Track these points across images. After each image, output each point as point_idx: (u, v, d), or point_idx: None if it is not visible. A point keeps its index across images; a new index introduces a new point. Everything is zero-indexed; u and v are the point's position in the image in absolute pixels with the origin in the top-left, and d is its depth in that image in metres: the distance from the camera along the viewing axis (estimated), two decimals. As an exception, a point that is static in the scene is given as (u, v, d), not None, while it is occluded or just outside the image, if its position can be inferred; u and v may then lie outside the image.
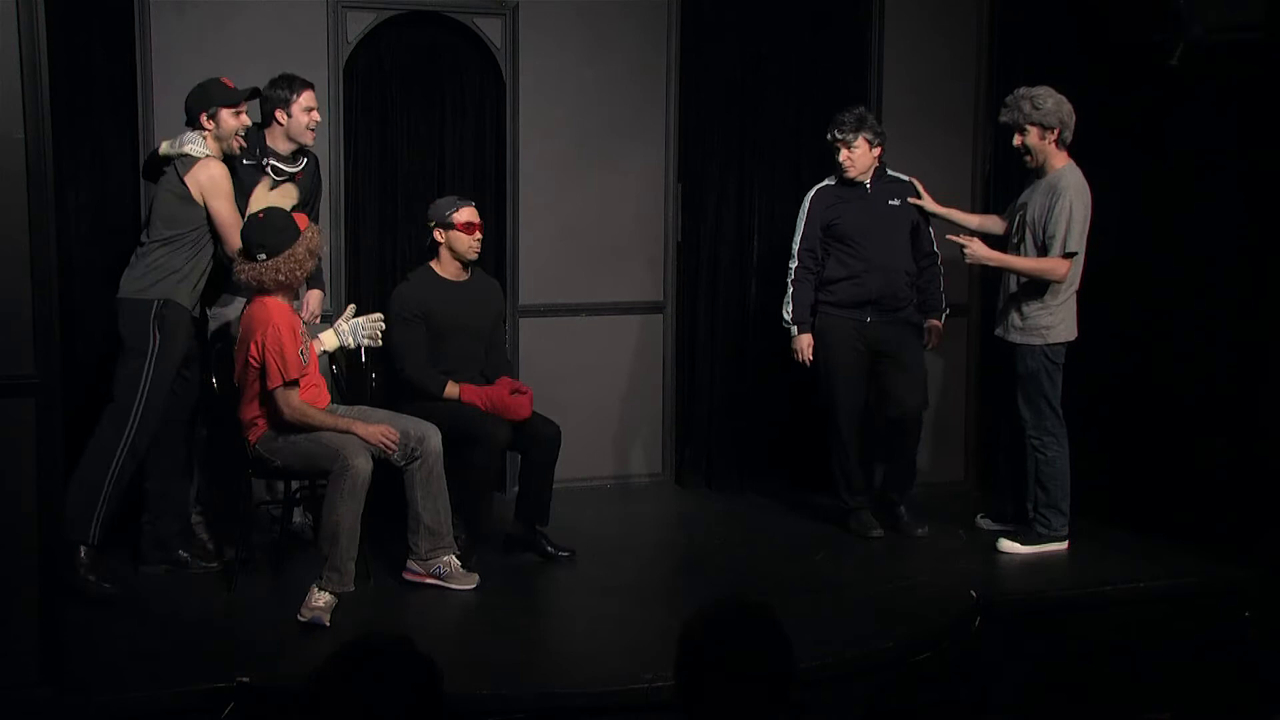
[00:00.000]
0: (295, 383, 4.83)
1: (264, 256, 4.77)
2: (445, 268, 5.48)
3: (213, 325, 5.35)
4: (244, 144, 5.13)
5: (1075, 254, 5.44)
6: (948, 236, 5.73)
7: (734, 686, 2.38)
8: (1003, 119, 5.59)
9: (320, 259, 5.06)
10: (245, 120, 5.11)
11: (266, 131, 5.40)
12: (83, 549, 4.88)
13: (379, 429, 4.89)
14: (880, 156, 5.81)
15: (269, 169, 5.37)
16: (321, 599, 4.73)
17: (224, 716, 4.19)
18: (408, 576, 5.13)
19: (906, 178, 5.91)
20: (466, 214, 5.43)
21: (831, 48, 6.77)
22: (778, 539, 5.93)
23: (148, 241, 5.04)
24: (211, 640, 4.62)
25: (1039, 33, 6.48)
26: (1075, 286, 5.55)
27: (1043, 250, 5.48)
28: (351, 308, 5.26)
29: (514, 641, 4.76)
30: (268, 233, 4.83)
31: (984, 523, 6.06)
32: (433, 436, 5.04)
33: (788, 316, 5.88)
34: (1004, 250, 5.68)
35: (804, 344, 5.87)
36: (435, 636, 4.65)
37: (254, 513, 5.40)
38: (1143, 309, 6.00)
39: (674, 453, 6.94)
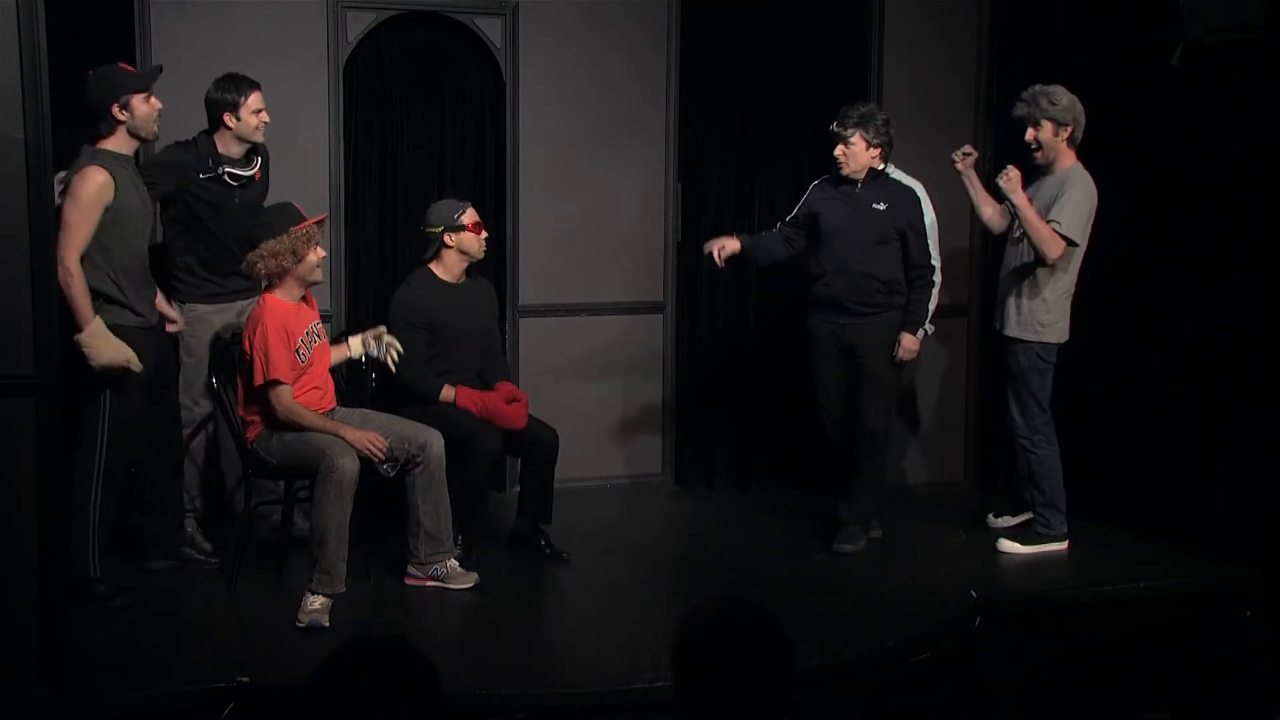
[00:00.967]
0: (278, 382, 4.83)
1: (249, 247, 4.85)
2: (447, 270, 5.47)
3: (198, 327, 5.32)
4: (156, 133, 4.87)
5: (1076, 246, 5.44)
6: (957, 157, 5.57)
7: (732, 687, 2.38)
8: (1018, 113, 5.58)
9: (317, 245, 4.93)
10: (156, 104, 4.76)
11: (215, 136, 5.25)
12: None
13: (366, 435, 4.88)
14: (882, 158, 5.63)
15: (226, 176, 5.25)
16: (316, 602, 4.73)
17: (224, 716, 4.19)
18: (408, 581, 5.14)
19: (909, 183, 5.76)
20: (471, 214, 5.45)
21: (831, 48, 6.77)
22: (778, 539, 5.93)
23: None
24: (211, 640, 4.63)
25: (1039, 33, 6.48)
26: (1072, 289, 5.56)
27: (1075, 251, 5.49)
28: (383, 329, 5.24)
29: (514, 641, 4.76)
30: (259, 224, 4.90)
31: (996, 521, 6.05)
32: (435, 443, 5.04)
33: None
34: (1004, 244, 5.69)
35: (723, 240, 5.70)
36: (435, 636, 4.67)
37: (254, 512, 5.39)
38: (1142, 308, 5.99)
39: (674, 453, 6.94)
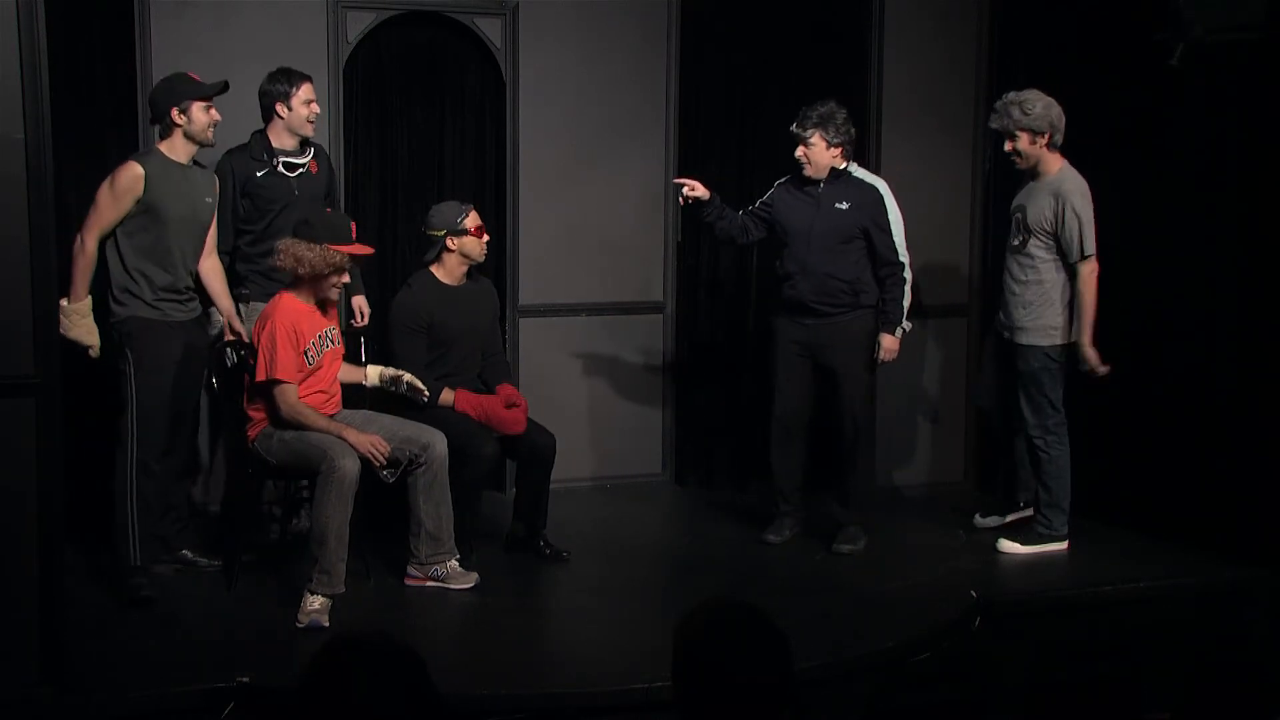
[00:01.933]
0: (280, 381, 4.83)
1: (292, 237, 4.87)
2: (449, 273, 5.47)
3: (214, 329, 5.36)
4: (212, 140, 5.01)
5: (1090, 255, 5.44)
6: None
7: (729, 687, 2.38)
8: (992, 125, 5.61)
9: (342, 273, 4.96)
10: (215, 115, 4.98)
11: (268, 128, 5.42)
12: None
13: (369, 439, 4.88)
14: (844, 156, 5.60)
15: (281, 166, 5.40)
16: (315, 602, 4.73)
17: (224, 716, 4.19)
18: (408, 581, 5.15)
19: (872, 181, 5.71)
20: (474, 217, 5.45)
21: (831, 47, 6.77)
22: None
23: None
24: (212, 640, 4.63)
25: (1039, 33, 6.48)
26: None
27: (1057, 250, 5.49)
28: (404, 374, 5.25)
29: (513, 641, 4.76)
30: (316, 221, 4.93)
31: (983, 520, 6.05)
32: (438, 443, 5.04)
33: None
34: (1007, 254, 5.69)
35: (696, 183, 5.64)
36: (435, 637, 4.68)
37: (255, 512, 5.40)
38: (1143, 308, 5.99)
39: (674, 453, 6.94)
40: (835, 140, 5.54)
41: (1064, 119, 5.48)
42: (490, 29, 6.37)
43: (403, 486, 5.08)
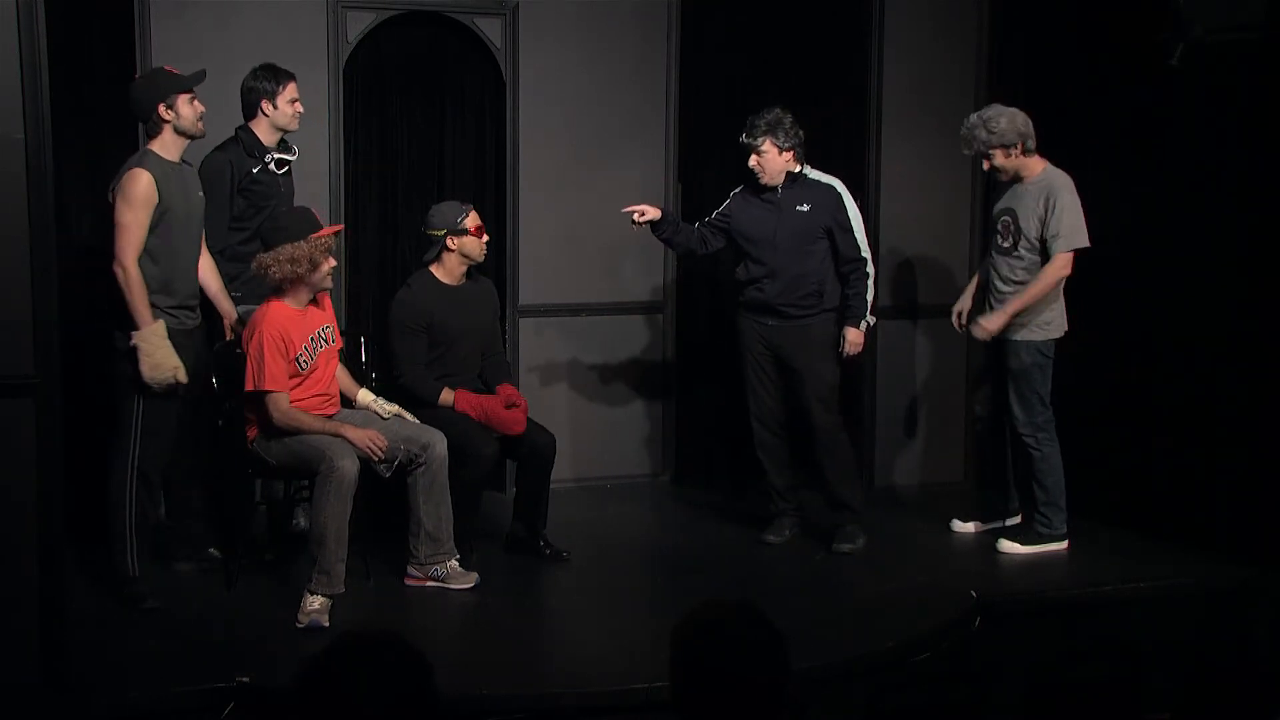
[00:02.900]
0: (266, 392, 4.82)
1: (269, 248, 4.86)
2: (449, 273, 5.47)
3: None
4: (203, 131, 4.94)
5: (1084, 248, 5.45)
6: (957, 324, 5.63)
7: (726, 688, 2.38)
8: (965, 152, 5.65)
9: (331, 256, 4.96)
10: (200, 106, 4.90)
11: (253, 126, 5.38)
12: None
13: (367, 434, 4.88)
14: (797, 159, 5.60)
15: (273, 164, 5.39)
16: (315, 602, 4.73)
17: (224, 716, 4.19)
18: (408, 581, 5.15)
19: (829, 181, 5.69)
20: (474, 217, 5.45)
21: (831, 48, 6.77)
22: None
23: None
24: (212, 640, 4.62)
25: (1038, 33, 6.48)
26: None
27: (1044, 250, 5.50)
28: (398, 408, 5.21)
29: (513, 642, 4.76)
30: (285, 223, 4.92)
31: (963, 526, 6.04)
32: (438, 443, 5.04)
33: None
34: (994, 255, 5.69)
35: (644, 206, 5.67)
36: (435, 636, 4.67)
37: (255, 512, 5.40)
38: (1143, 308, 5.99)
39: (673, 453, 6.94)
40: (786, 145, 5.56)
41: (1030, 123, 5.51)
42: (490, 29, 6.37)
43: (402, 486, 5.07)
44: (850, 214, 5.65)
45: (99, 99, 5.75)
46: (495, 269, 6.37)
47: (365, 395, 5.22)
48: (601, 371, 6.75)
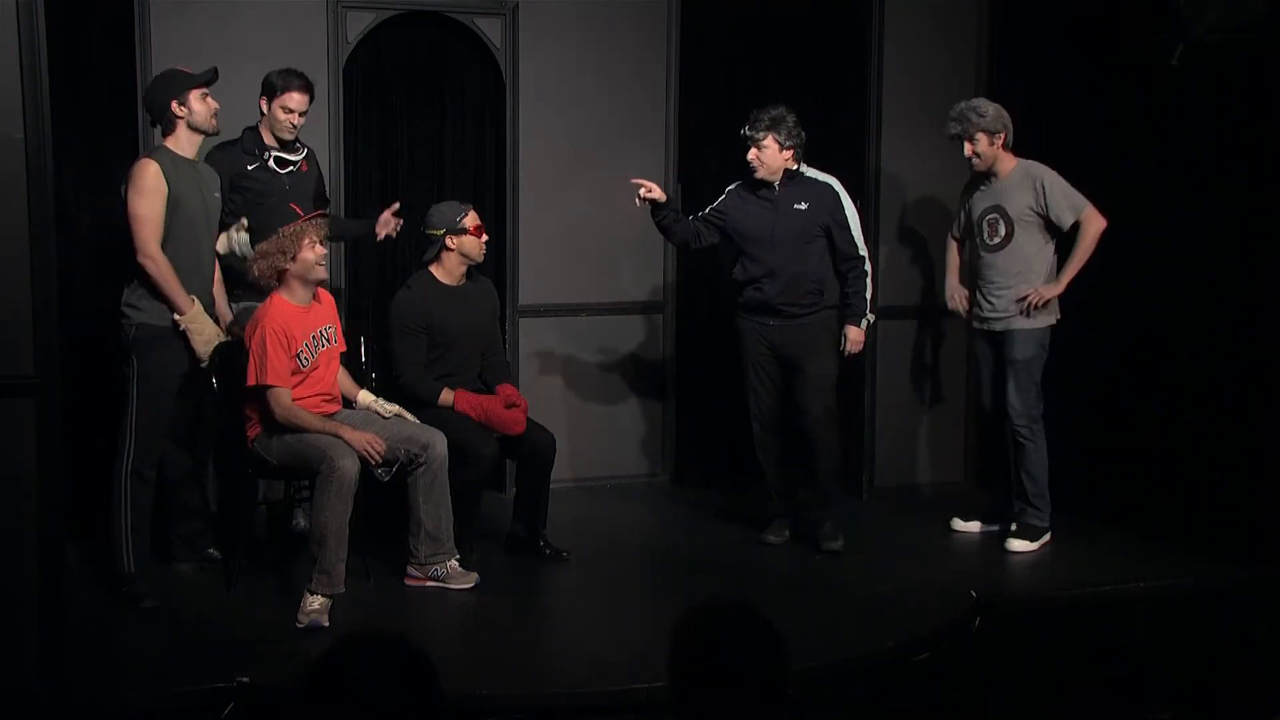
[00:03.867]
0: (268, 386, 4.83)
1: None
2: (448, 273, 5.47)
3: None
4: (217, 127, 4.97)
5: (1086, 204, 5.54)
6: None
7: (724, 687, 2.38)
8: (951, 132, 5.69)
9: (314, 241, 4.94)
10: (213, 103, 4.94)
11: (259, 125, 5.44)
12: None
13: (365, 436, 4.87)
14: (795, 159, 5.60)
15: (272, 161, 5.41)
16: (315, 602, 4.73)
17: (224, 717, 4.18)
18: (408, 582, 5.15)
19: (825, 179, 5.69)
20: (473, 217, 5.45)
21: (831, 48, 6.77)
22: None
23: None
24: (211, 640, 4.62)
25: (1038, 32, 6.48)
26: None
27: (1052, 231, 5.59)
28: (398, 408, 5.21)
29: (512, 642, 4.76)
30: (256, 228, 5.00)
31: (965, 525, 6.04)
32: (438, 443, 5.04)
33: None
34: (983, 255, 5.71)
35: (654, 185, 5.68)
36: (435, 637, 4.67)
37: (255, 512, 5.40)
38: (1143, 307, 5.99)
39: (673, 453, 6.95)
40: (787, 143, 5.57)
41: (1011, 122, 5.62)
42: (490, 29, 6.38)
43: (402, 486, 5.07)
44: (848, 212, 5.66)
45: (99, 98, 5.75)
46: (495, 269, 6.37)
47: (365, 396, 5.22)
48: (601, 371, 6.76)
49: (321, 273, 4.99)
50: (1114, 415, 6.11)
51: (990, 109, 5.62)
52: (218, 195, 5.10)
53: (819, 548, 5.71)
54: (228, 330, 5.23)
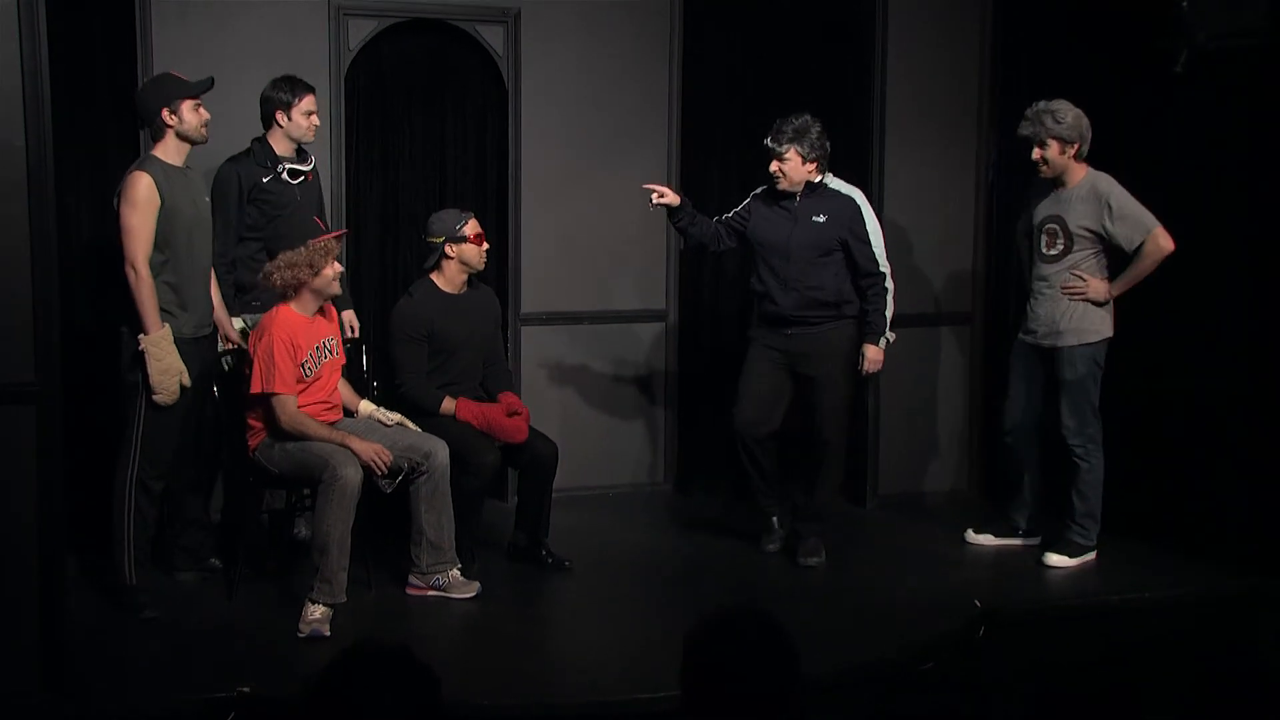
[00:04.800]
0: (277, 394, 4.84)
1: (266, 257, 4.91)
2: (449, 281, 5.48)
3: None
4: (206, 137, 4.94)
5: (1156, 224, 5.44)
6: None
7: (738, 695, 2.39)
8: (1023, 132, 5.56)
9: (334, 259, 4.98)
10: (205, 114, 4.92)
11: (268, 135, 5.45)
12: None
13: (372, 447, 4.88)
14: (819, 170, 5.56)
15: (285, 174, 5.43)
16: (316, 611, 4.73)
17: (225, 725, 4.19)
18: (410, 591, 5.15)
19: (848, 191, 5.65)
20: (473, 225, 5.46)
21: (835, 53, 6.78)
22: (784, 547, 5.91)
23: None
24: (212, 649, 4.63)
25: (1042, 39, 6.48)
26: None
27: (1111, 250, 5.51)
28: (400, 416, 5.22)
29: (515, 651, 4.76)
30: (276, 234, 5.03)
31: (976, 538, 6.01)
32: (440, 452, 5.05)
33: None
34: (1039, 264, 5.66)
35: (666, 189, 5.68)
36: (436, 646, 4.66)
37: (257, 521, 5.40)
38: (1151, 316, 5.97)
39: (676, 461, 6.94)
40: (811, 155, 5.52)
41: (1091, 132, 5.49)
42: (492, 36, 6.39)
43: (404, 495, 5.08)
44: (869, 226, 5.59)
45: (100, 104, 5.76)
46: (497, 277, 6.38)
47: (366, 406, 5.23)
48: (603, 379, 6.76)
49: (338, 288, 5.05)
50: (1121, 423, 6.09)
51: (1070, 115, 5.46)
52: (208, 200, 5.10)
53: (796, 561, 5.69)
54: (228, 341, 5.25)
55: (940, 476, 6.91)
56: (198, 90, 4.90)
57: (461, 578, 5.16)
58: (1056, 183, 5.59)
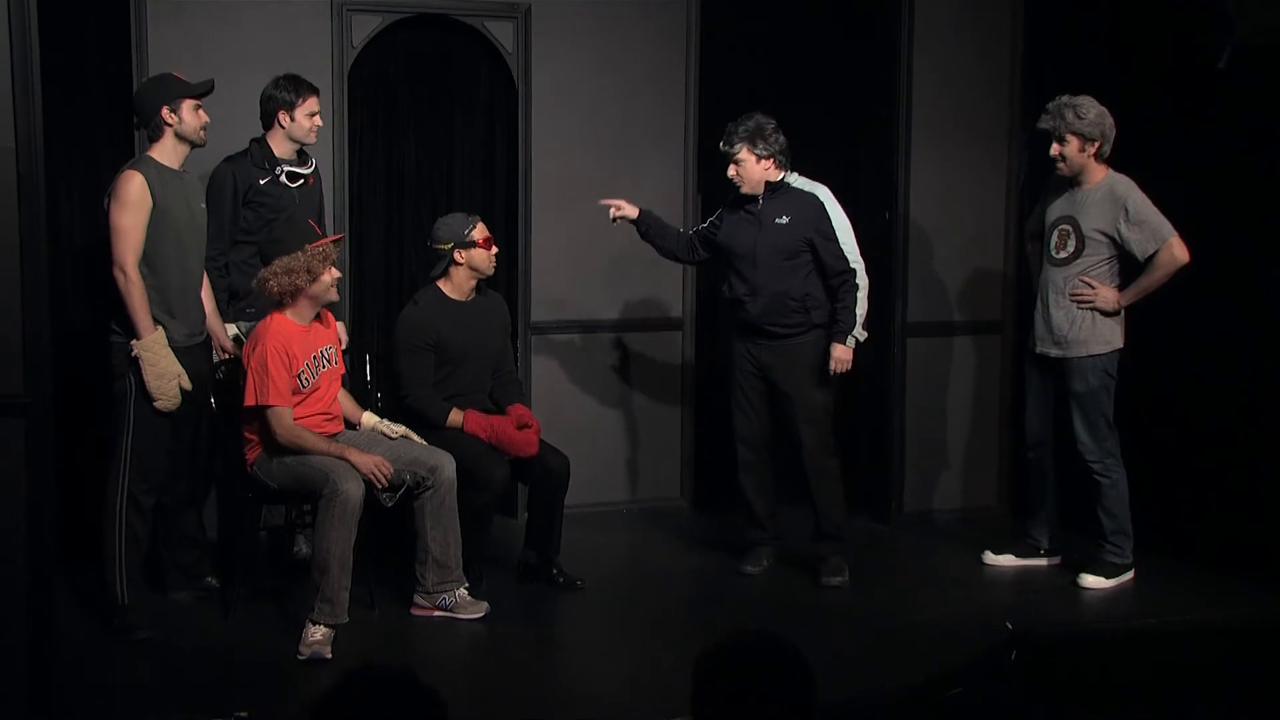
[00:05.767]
0: (269, 406, 4.83)
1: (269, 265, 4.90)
2: (457, 288, 5.47)
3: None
4: (204, 139, 4.95)
5: (1173, 234, 5.41)
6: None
7: (751, 719, 2.36)
8: (1042, 125, 5.57)
9: (332, 265, 4.98)
10: (204, 116, 4.94)
11: (268, 135, 5.45)
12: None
13: (372, 460, 4.87)
14: (778, 167, 5.57)
15: (284, 176, 5.43)
16: (317, 633, 4.72)
17: (220, 752, 4.18)
18: (415, 611, 5.13)
19: (811, 189, 5.64)
20: (482, 229, 5.45)
21: (859, 50, 6.76)
22: (801, 566, 5.88)
23: None
24: (208, 672, 4.63)
25: (1073, 35, 6.46)
26: None
27: (1124, 256, 5.48)
28: (404, 429, 5.22)
29: (524, 674, 4.75)
30: (271, 239, 4.97)
31: (995, 559, 5.97)
32: (446, 466, 5.04)
33: None
34: (1047, 267, 5.64)
35: (621, 202, 5.79)
36: (442, 668, 4.65)
37: (255, 538, 5.39)
38: (1189, 326, 5.94)
39: (692, 476, 6.93)
40: (764, 153, 5.55)
41: (1115, 131, 5.47)
42: (501, 32, 6.38)
43: (409, 512, 5.06)
44: (835, 222, 5.58)
45: (94, 105, 5.77)
46: (506, 284, 6.37)
47: (370, 418, 5.22)
48: (617, 391, 6.74)
49: (335, 295, 5.06)
50: (1161, 436, 6.05)
51: (1092, 111, 5.44)
52: (204, 206, 5.11)
53: (818, 582, 5.67)
54: (222, 351, 5.24)
55: (969, 493, 6.87)
56: (199, 91, 4.92)
57: (469, 598, 5.14)
58: (1073, 182, 5.58)
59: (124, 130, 5.76)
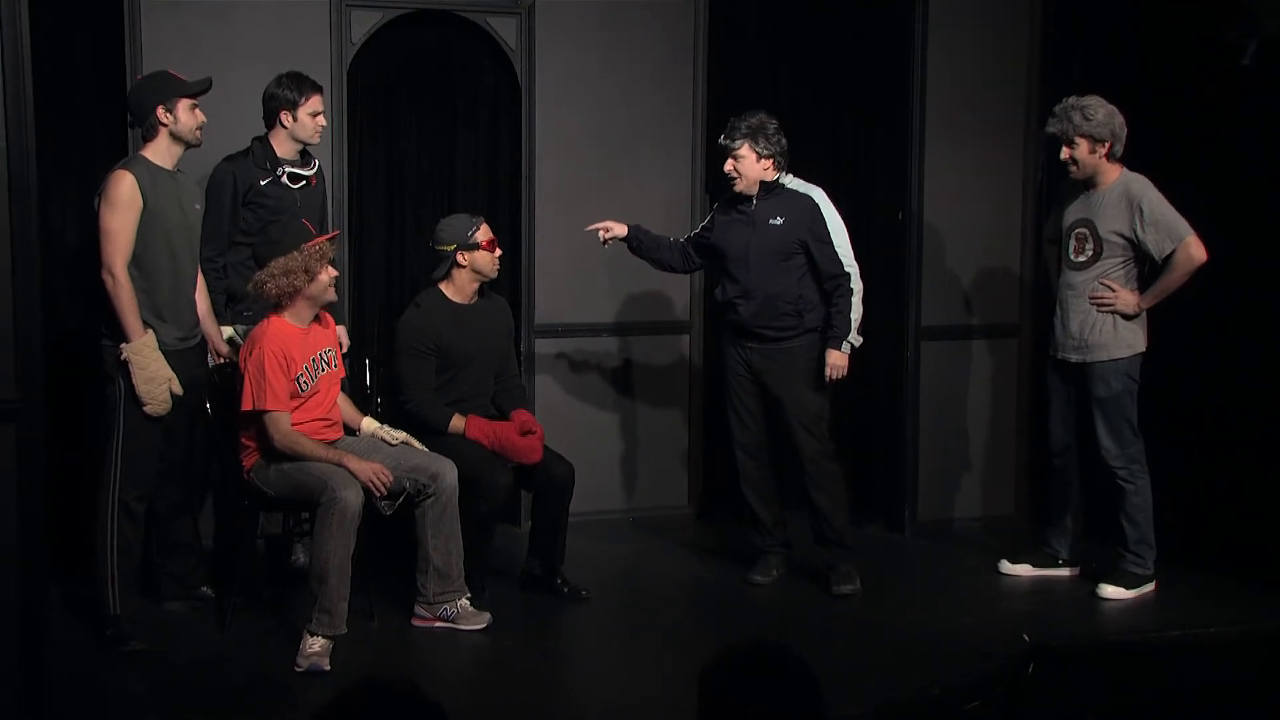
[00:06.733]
0: (266, 411, 4.84)
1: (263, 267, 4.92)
2: (459, 291, 5.48)
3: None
4: (199, 140, 4.97)
5: (1189, 234, 5.41)
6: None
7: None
8: (1050, 129, 5.59)
9: (329, 264, 4.99)
10: (201, 115, 4.95)
11: (270, 135, 5.46)
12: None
13: (371, 467, 4.87)
14: (776, 168, 5.58)
15: (285, 178, 5.43)
16: (315, 644, 4.72)
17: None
18: (416, 622, 5.13)
19: (807, 190, 5.64)
20: (485, 231, 5.46)
21: (872, 47, 6.76)
22: (810, 576, 5.88)
23: None
24: (202, 684, 4.63)
25: (1096, 29, 6.45)
26: None
27: (1142, 258, 5.49)
28: (404, 435, 5.23)
29: (527, 686, 4.75)
30: (267, 240, 5.06)
31: (1012, 568, 5.96)
32: (448, 473, 5.04)
33: None
34: (1065, 271, 5.64)
35: (609, 223, 5.83)
36: (444, 680, 4.66)
37: (252, 546, 5.40)
38: (1213, 329, 5.93)
39: (700, 483, 6.92)
40: (765, 152, 5.56)
41: (1125, 130, 5.47)
42: (505, 29, 6.39)
43: (410, 520, 5.07)
44: (830, 225, 5.59)
45: (86, 104, 5.78)
46: (510, 286, 6.38)
47: (369, 423, 5.22)
48: (623, 396, 6.74)
49: (333, 295, 5.06)
50: (1184, 443, 6.04)
51: (1101, 112, 5.45)
52: (198, 208, 5.12)
53: (830, 591, 5.67)
54: (217, 354, 5.25)
55: (986, 501, 6.87)
56: (196, 90, 4.92)
57: (471, 608, 5.14)
58: (1087, 184, 5.58)
59: (118, 129, 5.77)
